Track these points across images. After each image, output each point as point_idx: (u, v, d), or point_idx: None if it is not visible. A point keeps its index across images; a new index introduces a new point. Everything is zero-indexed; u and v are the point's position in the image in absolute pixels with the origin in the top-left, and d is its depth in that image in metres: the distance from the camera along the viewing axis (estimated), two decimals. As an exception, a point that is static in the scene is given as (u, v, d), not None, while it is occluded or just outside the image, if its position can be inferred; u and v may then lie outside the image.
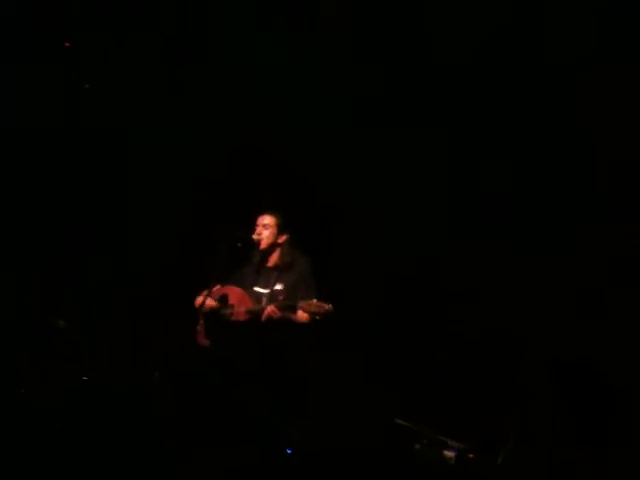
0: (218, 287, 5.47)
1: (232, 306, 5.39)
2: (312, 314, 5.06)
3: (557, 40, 5.46)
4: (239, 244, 5.40)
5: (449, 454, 5.00)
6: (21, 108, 6.48)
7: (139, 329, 6.23)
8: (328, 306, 5.02)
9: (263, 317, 5.21)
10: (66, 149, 6.60)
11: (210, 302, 5.41)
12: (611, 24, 5.32)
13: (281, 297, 5.28)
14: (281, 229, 5.48)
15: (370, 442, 5.05)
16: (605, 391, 5.26)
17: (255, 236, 5.45)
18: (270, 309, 5.19)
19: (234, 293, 5.44)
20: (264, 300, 5.36)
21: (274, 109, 6.20)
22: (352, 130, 6.06)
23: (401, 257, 5.87)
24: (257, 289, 5.44)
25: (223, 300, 5.45)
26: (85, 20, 6.38)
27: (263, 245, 5.46)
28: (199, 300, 5.44)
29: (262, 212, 5.53)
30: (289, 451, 4.96)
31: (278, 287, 5.37)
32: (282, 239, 5.49)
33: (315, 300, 5.03)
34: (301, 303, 5.08)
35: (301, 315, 5.18)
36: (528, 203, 5.64)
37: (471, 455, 4.98)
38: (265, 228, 5.47)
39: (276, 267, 5.47)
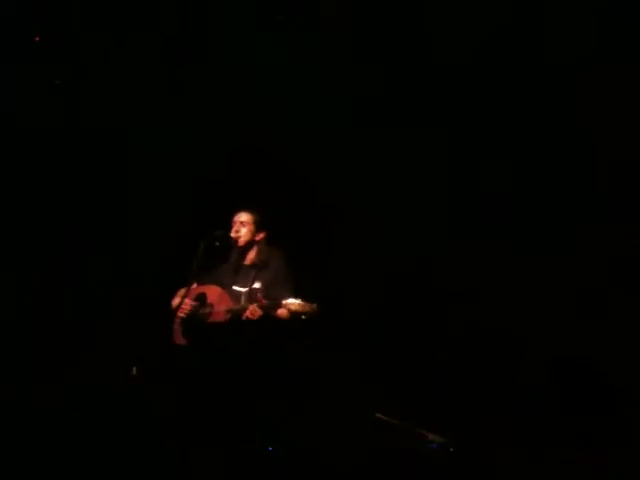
0: (195, 286, 5.43)
1: (211, 305, 5.35)
2: (296, 313, 5.03)
3: (557, 40, 5.46)
4: (217, 242, 5.37)
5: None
6: (21, 108, 6.49)
7: (139, 329, 6.23)
8: (313, 305, 5.01)
9: (244, 316, 5.17)
10: (66, 149, 6.61)
11: (188, 304, 5.37)
12: (611, 24, 5.32)
13: (260, 296, 5.19)
14: (258, 226, 5.46)
15: (369, 442, 5.05)
16: (605, 391, 5.26)
17: (233, 233, 5.42)
18: (252, 309, 5.15)
19: (213, 292, 5.39)
20: (243, 299, 5.31)
21: (274, 109, 6.19)
22: (352, 130, 6.06)
23: (401, 257, 5.87)
24: (236, 288, 5.38)
25: (201, 299, 5.41)
26: (85, 20, 6.38)
27: (241, 242, 5.42)
28: (176, 301, 5.42)
29: (239, 209, 5.51)
30: (270, 449, 4.95)
31: (256, 285, 5.32)
32: (260, 236, 5.46)
33: (300, 300, 5.01)
34: (285, 302, 5.03)
35: (281, 313, 5.12)
36: (528, 203, 5.64)
37: (452, 449, 4.97)
38: (243, 225, 5.44)
39: (254, 265, 5.42)
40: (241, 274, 5.44)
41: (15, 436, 4.90)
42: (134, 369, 5.47)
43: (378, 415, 5.21)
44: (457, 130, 5.82)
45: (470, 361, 5.62)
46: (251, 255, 5.46)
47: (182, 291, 5.37)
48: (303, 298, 5.02)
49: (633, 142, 5.29)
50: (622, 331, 5.25)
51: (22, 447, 4.75)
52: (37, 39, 6.40)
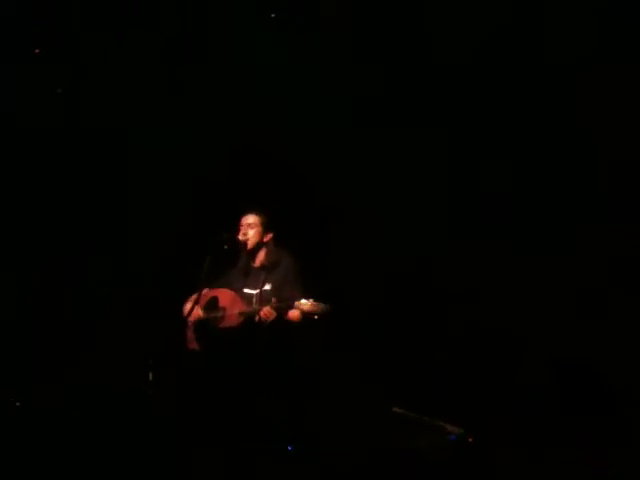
0: (207, 290, 5.43)
1: (223, 309, 5.36)
2: (309, 314, 5.03)
3: (557, 40, 5.46)
4: (225, 246, 5.37)
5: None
6: (21, 108, 6.48)
7: (139, 329, 6.23)
8: (326, 306, 5.01)
9: (257, 318, 5.19)
10: (66, 149, 6.60)
11: (197, 312, 5.37)
12: (611, 24, 5.32)
13: (274, 299, 5.22)
14: (266, 227, 5.47)
15: (369, 441, 5.04)
16: (605, 391, 5.26)
17: (241, 236, 5.43)
18: (266, 310, 5.16)
19: (225, 296, 5.40)
20: (254, 301, 5.33)
21: (274, 109, 6.19)
22: (352, 130, 6.06)
23: (401, 257, 5.87)
24: (247, 290, 5.40)
25: (213, 303, 5.42)
26: (85, 20, 6.37)
27: (250, 245, 5.44)
28: (187, 308, 5.43)
29: (245, 212, 5.52)
30: (290, 448, 4.95)
31: (267, 287, 5.34)
32: (268, 237, 5.47)
33: (312, 300, 5.02)
34: (297, 303, 5.05)
35: (292, 314, 5.15)
36: (528, 203, 5.64)
37: (470, 439, 4.97)
38: (250, 227, 5.45)
39: (263, 267, 5.44)
40: (251, 276, 5.46)
41: (15, 436, 4.89)
42: (150, 375, 5.46)
43: (395, 409, 5.20)
44: (457, 130, 5.81)
45: (470, 361, 5.61)
46: (260, 257, 5.48)
47: (193, 297, 5.38)
48: (315, 298, 5.03)
49: (633, 142, 5.29)
50: (622, 331, 5.24)
51: (22, 447, 4.74)
52: (37, 51, 6.40)
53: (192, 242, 6.18)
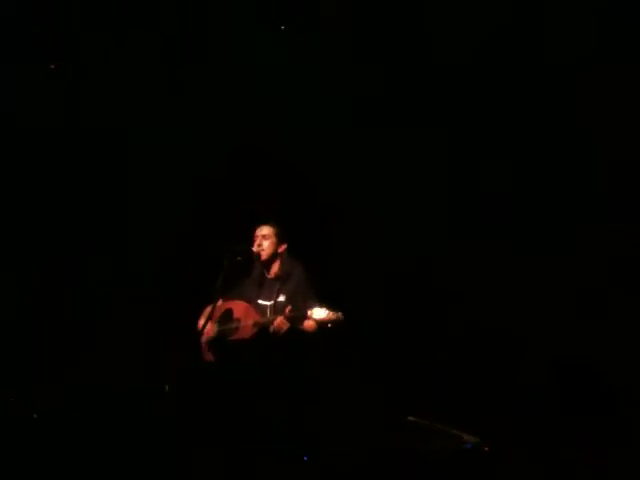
0: (221, 302, 5.45)
1: (238, 320, 5.36)
2: (323, 323, 5.03)
3: (557, 40, 5.46)
4: (239, 258, 5.37)
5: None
6: (21, 108, 6.49)
7: (139, 329, 6.24)
8: (338, 314, 5.02)
9: (271, 329, 5.19)
10: (66, 149, 6.61)
11: (211, 327, 5.38)
12: (611, 24, 5.32)
13: (288, 309, 5.20)
14: (280, 238, 5.47)
15: (369, 442, 5.04)
16: (605, 391, 5.26)
17: (255, 248, 5.43)
18: (279, 320, 5.16)
19: (239, 307, 5.41)
20: (268, 312, 5.32)
21: (274, 109, 6.20)
22: (352, 130, 6.06)
23: (401, 257, 5.87)
24: (261, 301, 5.40)
25: (228, 315, 5.42)
26: (85, 20, 6.38)
27: (264, 256, 5.43)
28: (200, 323, 5.42)
29: (260, 223, 5.52)
30: (305, 458, 4.93)
31: (281, 299, 5.34)
32: (282, 248, 5.47)
33: (325, 308, 5.01)
34: (310, 312, 5.03)
35: (307, 324, 5.15)
36: (528, 203, 5.64)
37: (486, 448, 4.96)
38: (265, 239, 5.44)
39: (277, 278, 5.44)
40: (265, 287, 5.46)
41: (15, 436, 4.90)
42: (166, 387, 5.46)
43: (410, 418, 5.18)
44: (457, 130, 5.82)
45: (470, 361, 5.61)
46: (274, 268, 5.48)
47: (208, 309, 5.37)
48: (328, 306, 5.03)
49: (633, 142, 5.29)
50: (622, 331, 5.24)
51: (22, 447, 4.75)
52: (52, 67, 6.43)
53: (192, 242, 6.19)
